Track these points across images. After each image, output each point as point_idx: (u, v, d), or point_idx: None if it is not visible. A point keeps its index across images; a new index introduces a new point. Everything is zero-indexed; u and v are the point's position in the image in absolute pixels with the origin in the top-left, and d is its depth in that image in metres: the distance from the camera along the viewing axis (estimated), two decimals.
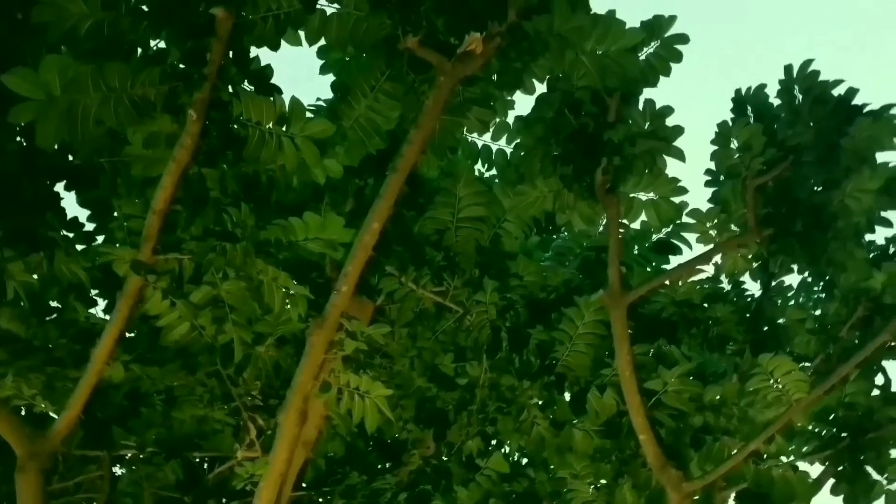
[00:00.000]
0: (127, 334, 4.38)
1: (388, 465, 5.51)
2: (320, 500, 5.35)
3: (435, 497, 4.85)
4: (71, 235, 4.33)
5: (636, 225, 4.81)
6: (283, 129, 3.04)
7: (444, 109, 3.28)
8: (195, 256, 3.40)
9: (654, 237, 4.79)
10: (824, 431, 4.18)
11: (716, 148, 3.77)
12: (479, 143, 4.75)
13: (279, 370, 4.61)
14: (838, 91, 3.58)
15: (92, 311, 4.40)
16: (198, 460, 5.28)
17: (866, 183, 3.63)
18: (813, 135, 3.60)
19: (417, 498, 4.93)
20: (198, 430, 5.03)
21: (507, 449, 5.56)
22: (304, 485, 5.25)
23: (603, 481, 4.70)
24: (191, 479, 5.13)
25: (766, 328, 4.12)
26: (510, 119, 4.22)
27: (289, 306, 3.67)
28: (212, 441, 5.04)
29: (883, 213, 4.00)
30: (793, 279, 4.80)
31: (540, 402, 4.68)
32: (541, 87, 3.64)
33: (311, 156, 3.06)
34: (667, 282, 4.07)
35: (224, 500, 5.07)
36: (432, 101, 3.18)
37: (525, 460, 5.64)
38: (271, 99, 3.04)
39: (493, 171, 4.72)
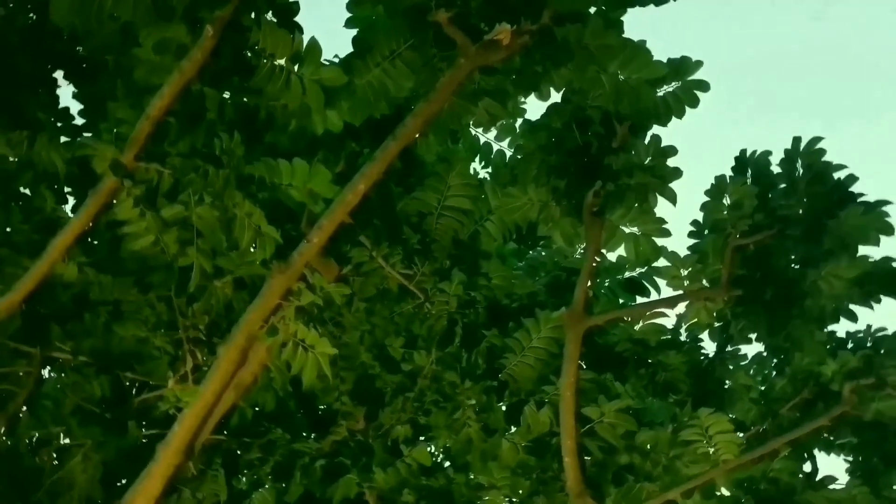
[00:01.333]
0: (89, 239, 4.31)
1: (313, 435, 5.44)
2: (238, 449, 5.27)
3: (351, 471, 4.79)
4: (59, 125, 4.24)
5: (612, 257, 4.84)
6: (295, 67, 2.98)
7: (457, 91, 3.24)
8: (176, 172, 3.33)
9: (627, 274, 4.80)
10: (743, 499, 4.20)
11: (708, 200, 3.78)
12: (483, 140, 4.75)
13: (230, 311, 4.53)
14: (839, 175, 3.61)
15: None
16: (128, 384, 5.17)
17: (843, 270, 3.66)
18: (804, 210, 3.62)
19: (334, 468, 4.87)
20: (135, 351, 4.91)
21: (434, 448, 5.51)
22: (225, 432, 5.19)
23: (518, 497, 4.67)
24: (116, 398, 5.02)
25: (711, 387, 4.13)
26: (518, 123, 4.22)
27: (255, 249, 3.61)
28: (146, 365, 4.92)
29: (851, 306, 4.04)
30: (749, 350, 4.83)
31: (476, 405, 4.65)
32: (555, 97, 3.63)
33: (316, 101, 3.01)
34: (628, 318, 4.07)
35: (144, 425, 4.97)
36: (447, 79, 3.14)
37: (448, 462, 5.59)
38: (290, 35, 2.98)
39: (489, 170, 4.70)
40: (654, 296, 4.42)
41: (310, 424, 5.58)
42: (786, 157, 3.69)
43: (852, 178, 3.59)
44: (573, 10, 3.16)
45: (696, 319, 3.95)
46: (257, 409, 5.26)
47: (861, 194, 3.57)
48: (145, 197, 3.39)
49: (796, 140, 3.64)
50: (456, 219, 4.35)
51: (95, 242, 4.48)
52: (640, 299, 4.51)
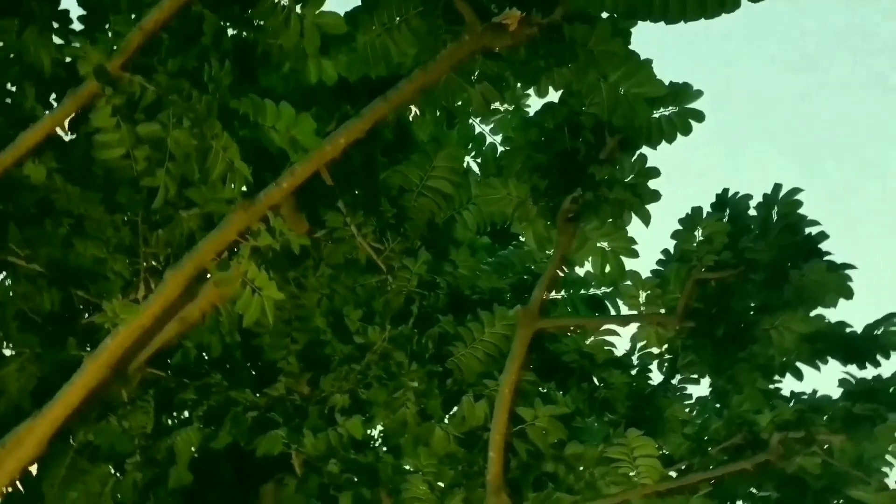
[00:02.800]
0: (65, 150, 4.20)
1: (252, 390, 5.35)
2: (174, 385, 5.19)
3: (280, 429, 4.73)
4: (55, 25, 4.13)
5: (581, 272, 4.82)
6: (298, 7, 2.92)
7: (456, 67, 3.19)
8: (160, 90, 3.24)
9: (591, 291, 4.78)
10: None
11: (681, 228, 3.77)
12: (478, 130, 4.72)
13: (192, 245, 4.45)
14: (811, 229, 3.62)
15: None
16: (80, 306, 5.07)
17: (797, 324, 3.66)
18: (771, 257, 3.62)
19: (265, 422, 4.80)
20: (91, 271, 4.81)
21: (369, 426, 5.44)
22: (169, 372, 5.11)
23: (440, 485, 4.64)
24: (63, 314, 4.91)
25: (648, 414, 4.12)
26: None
27: (224, 185, 3.54)
28: (99, 286, 4.83)
29: (798, 363, 4.05)
30: (695, 391, 4.82)
31: (418, 388, 4.60)
32: (553, 97, 3.60)
33: (312, 46, 2.94)
34: (579, 329, 4.05)
35: (88, 348, 4.87)
36: (448, 52, 3.10)
37: (379, 441, 5.54)
38: None
39: (478, 161, 4.66)
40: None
41: (252, 378, 5.51)
42: (763, 202, 3.69)
43: (823, 236, 3.60)
44: (586, 10, 3.13)
45: (645, 342, 3.95)
46: (204, 355, 5.20)
47: (829, 253, 3.59)
48: (124, 108, 3.31)
49: (777, 187, 3.65)
50: (435, 201, 4.31)
51: (71, 153, 4.38)
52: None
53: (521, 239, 4.62)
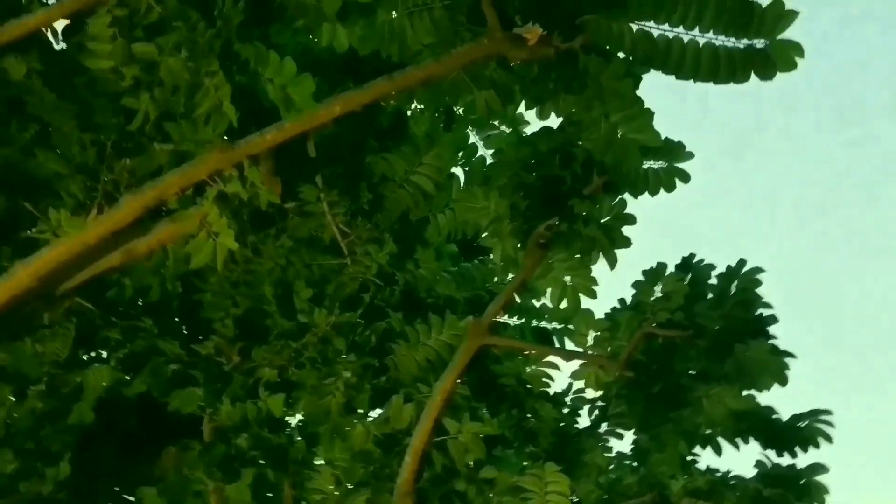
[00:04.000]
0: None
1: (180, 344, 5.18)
2: (100, 321, 4.99)
3: (198, 388, 4.58)
4: None
5: (536, 303, 4.84)
6: None
7: (468, 67, 3.19)
8: (166, 12, 3.15)
9: (540, 323, 4.79)
10: None
11: (642, 280, 3.82)
12: (472, 140, 4.72)
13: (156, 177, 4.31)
14: (764, 311, 3.70)
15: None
16: (25, 220, 4.85)
17: (730, 398, 3.73)
18: (720, 327, 3.69)
19: (184, 378, 4.65)
20: (45, 184, 4.62)
21: (292, 409, 5.31)
22: (99, 307, 4.92)
23: (346, 481, 4.53)
24: (4, 221, 4.69)
25: (570, 454, 4.12)
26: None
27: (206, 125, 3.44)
28: (50, 202, 4.63)
29: (721, 439, 4.12)
30: (619, 445, 4.84)
31: (350, 379, 4.52)
32: (552, 122, 3.62)
33: (331, 7, 2.90)
34: (522, 354, 4.04)
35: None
36: (464, 50, 3.09)
37: (298, 426, 5.41)
38: None
39: (466, 169, 4.66)
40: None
41: (182, 334, 5.33)
42: (725, 273, 3.77)
43: (773, 319, 3.70)
44: (604, 45, 3.17)
45: (582, 383, 3.96)
46: (139, 299, 5.02)
47: (774, 337, 3.67)
48: (125, 22, 3.20)
49: (741, 262, 3.74)
50: (414, 196, 4.27)
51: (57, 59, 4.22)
52: None
53: (489, 256, 4.61)
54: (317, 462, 4.93)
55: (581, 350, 3.97)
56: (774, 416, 3.96)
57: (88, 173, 4.48)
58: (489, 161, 4.46)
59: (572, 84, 3.28)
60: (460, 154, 4.72)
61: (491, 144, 4.45)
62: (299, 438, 4.94)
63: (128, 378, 4.95)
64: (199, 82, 3.28)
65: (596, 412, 4.36)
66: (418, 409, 3.96)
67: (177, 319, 5.26)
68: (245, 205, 3.49)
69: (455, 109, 4.67)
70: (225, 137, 3.69)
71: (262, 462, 5.00)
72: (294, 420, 5.28)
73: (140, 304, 5.06)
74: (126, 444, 5.37)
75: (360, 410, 4.45)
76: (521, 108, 4.02)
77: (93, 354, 5.24)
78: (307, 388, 4.67)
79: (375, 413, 4.54)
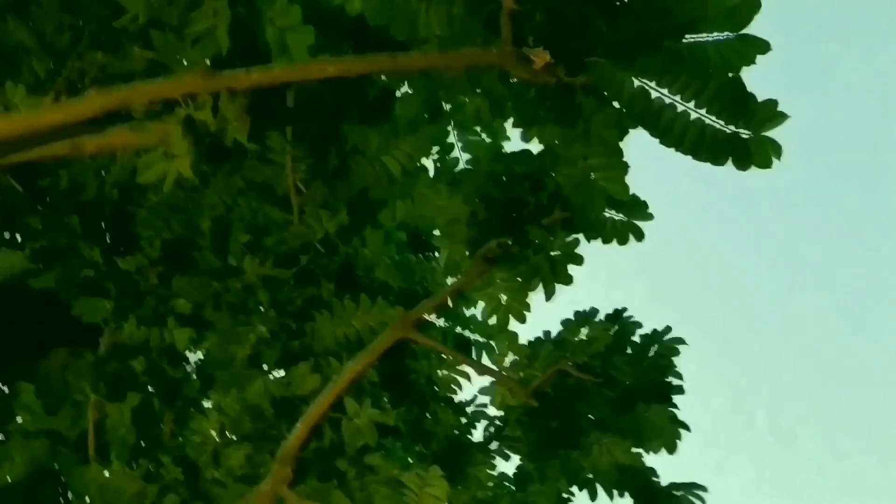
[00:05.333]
0: None
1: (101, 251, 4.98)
2: (25, 205, 4.76)
3: (107, 300, 4.44)
4: None
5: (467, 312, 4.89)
6: None
7: (470, 69, 3.19)
8: None
9: (463, 332, 4.85)
10: None
11: (571, 319, 3.92)
12: (451, 140, 4.72)
13: (128, 81, 4.13)
14: (675, 380, 3.86)
15: None
16: None
17: (619, 451, 3.87)
18: (630, 383, 3.82)
19: (92, 285, 4.50)
20: (9, 49, 4.36)
21: (194, 351, 5.18)
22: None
23: (231, 432, 4.46)
24: None
25: (455, 462, 4.19)
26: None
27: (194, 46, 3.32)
28: (6, 75, 4.37)
29: (598, 486, 4.27)
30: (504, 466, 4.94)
31: (263, 333, 4.45)
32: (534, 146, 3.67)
33: None
34: (439, 356, 4.07)
35: None
36: (472, 53, 3.09)
37: (197, 366, 5.28)
38: None
39: (438, 165, 4.65)
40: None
41: (106, 242, 5.14)
42: (650, 335, 3.91)
43: (680, 389, 3.86)
44: (604, 91, 3.23)
45: (488, 399, 4.03)
46: (73, 196, 4.82)
47: (676, 406, 3.83)
48: None
49: (666, 329, 3.89)
50: (380, 176, 4.23)
51: None
52: None
53: (435, 254, 4.63)
54: (206, 405, 4.84)
55: (496, 369, 4.03)
56: (654, 479, 4.13)
57: (57, 56, 4.26)
58: (462, 165, 4.48)
59: (563, 117, 3.32)
60: (436, 149, 4.71)
61: (469, 150, 4.46)
62: (195, 377, 4.83)
63: (38, 267, 4.76)
64: (201, 1, 3.17)
65: (492, 429, 4.44)
66: (323, 381, 3.93)
67: (104, 226, 5.08)
68: (209, 135, 3.38)
69: (444, 105, 4.66)
70: (207, 62, 3.58)
71: (151, 390, 4.88)
72: (195, 358, 5.17)
73: (71, 201, 4.87)
74: (15, 335, 5.15)
75: (265, 367, 4.39)
76: (508, 125, 4.07)
77: (8, 237, 5.00)
78: (218, 331, 4.58)
79: (279, 374, 4.50)
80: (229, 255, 4.73)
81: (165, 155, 3.26)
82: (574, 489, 4.34)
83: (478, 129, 4.74)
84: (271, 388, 4.25)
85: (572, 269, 3.79)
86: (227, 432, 4.45)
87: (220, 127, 3.30)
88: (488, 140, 4.72)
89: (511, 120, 3.62)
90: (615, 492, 4.09)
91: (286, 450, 3.71)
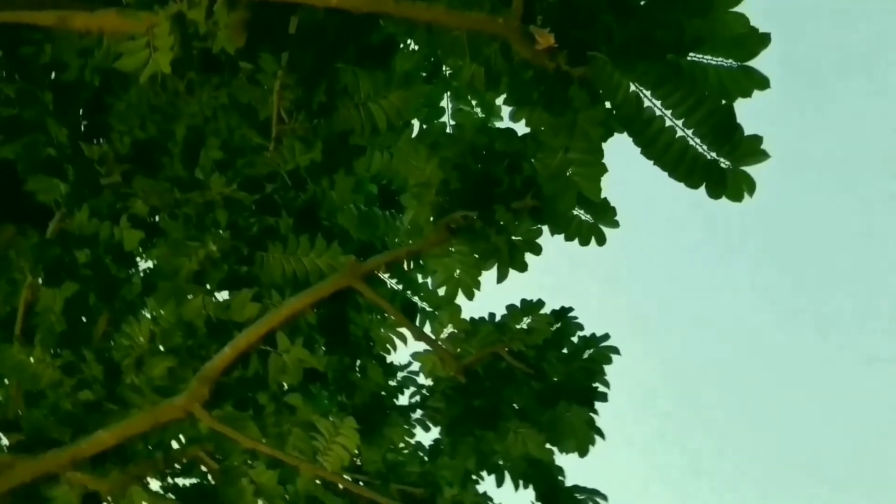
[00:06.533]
0: None
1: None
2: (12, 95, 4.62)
3: (65, 185, 4.32)
4: None
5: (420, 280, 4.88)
6: None
7: (472, 33, 3.14)
8: None
9: (412, 297, 4.84)
10: None
11: (518, 307, 3.94)
12: (443, 103, 4.67)
13: None
14: (601, 386, 3.90)
15: None
16: None
17: (532, 443, 3.92)
18: (558, 380, 3.85)
19: (52, 165, 4.38)
20: None
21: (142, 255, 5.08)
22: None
23: (160, 346, 4.40)
24: None
25: (373, 420, 4.20)
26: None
27: None
28: None
29: (507, 473, 4.32)
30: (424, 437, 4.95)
31: (213, 253, 4.38)
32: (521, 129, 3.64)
33: None
34: (382, 314, 4.06)
35: None
36: (478, 18, 3.03)
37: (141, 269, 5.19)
38: None
39: (423, 126, 4.60)
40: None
41: (77, 126, 5.00)
42: (587, 338, 3.94)
43: (604, 398, 3.90)
44: (599, 89, 3.20)
45: (420, 366, 4.03)
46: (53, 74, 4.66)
47: (595, 411, 3.88)
48: None
49: (605, 336, 3.93)
50: (363, 122, 4.16)
51: None
52: None
53: (401, 214, 4.59)
54: (142, 312, 4.78)
55: (433, 338, 4.03)
56: (560, 478, 4.20)
57: None
58: (448, 131, 4.43)
59: (553, 105, 3.29)
60: (426, 110, 4.65)
61: (457, 118, 4.41)
62: (136, 282, 4.76)
63: (2, 137, 4.63)
64: None
65: (417, 397, 4.46)
66: (262, 312, 3.89)
67: (80, 112, 4.94)
68: (198, 37, 3.28)
69: (443, 69, 4.60)
70: None
71: (89, 284, 4.80)
72: (142, 264, 5.09)
73: (50, 78, 4.72)
74: None
75: (208, 286, 4.33)
76: (500, 101, 4.02)
77: None
78: (169, 240, 4.50)
79: (220, 296, 4.44)
80: (197, 167, 4.64)
81: (149, 46, 3.15)
82: (483, 473, 4.39)
83: (472, 101, 4.70)
84: (209, 307, 4.20)
85: (529, 258, 3.80)
86: (156, 342, 4.40)
87: (209, 32, 3.20)
88: (479, 114, 4.68)
89: (503, 98, 3.58)
90: (521, 482, 4.14)
91: (208, 370, 3.68)
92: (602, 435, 3.89)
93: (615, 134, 3.39)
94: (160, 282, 4.57)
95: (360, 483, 3.91)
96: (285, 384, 4.11)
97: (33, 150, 4.65)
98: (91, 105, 4.91)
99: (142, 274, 5.02)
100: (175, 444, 4.49)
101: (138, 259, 5.00)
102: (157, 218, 4.70)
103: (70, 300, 4.71)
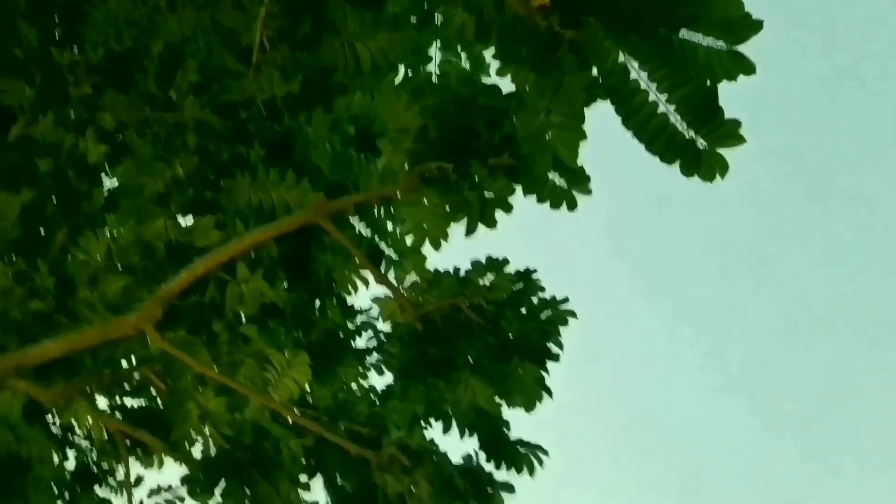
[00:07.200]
0: None
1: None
2: None
3: (31, 90, 4.15)
4: None
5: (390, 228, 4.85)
6: None
7: None
8: None
9: (378, 243, 4.82)
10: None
11: (482, 262, 3.96)
12: (431, 52, 4.58)
13: None
14: (555, 348, 3.97)
15: None
16: None
17: (481, 394, 3.99)
18: (513, 337, 3.92)
19: (19, 67, 4.19)
20: None
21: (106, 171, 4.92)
22: None
23: (117, 264, 4.30)
24: None
25: (328, 359, 4.21)
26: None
27: None
28: None
29: (454, 421, 4.39)
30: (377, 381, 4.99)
31: (177, 176, 4.27)
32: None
33: None
34: (347, 255, 4.03)
35: None
36: None
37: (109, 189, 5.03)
38: None
39: (408, 73, 4.51)
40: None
41: (53, 31, 4.76)
42: (547, 300, 3.99)
43: (556, 358, 3.97)
44: (590, 54, 3.17)
45: (379, 311, 4.04)
46: None
47: (546, 370, 3.96)
48: None
49: (565, 299, 3.98)
50: (348, 61, 4.05)
51: None
52: None
53: (377, 159, 4.53)
54: (101, 230, 4.66)
55: (395, 284, 4.03)
56: (506, 431, 4.29)
57: None
58: (434, 79, 4.34)
59: (540, 65, 3.24)
60: (413, 56, 4.55)
61: (444, 67, 4.33)
62: (97, 197, 4.62)
63: None
64: None
65: (374, 341, 4.48)
66: (224, 240, 3.82)
67: (55, 18, 4.70)
68: None
69: (435, 18, 4.48)
70: None
71: (49, 194, 4.65)
72: (106, 181, 4.94)
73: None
74: None
75: (172, 209, 4.23)
76: (489, 57, 3.96)
77: None
78: (136, 158, 4.36)
79: (183, 221, 4.35)
80: (172, 87, 4.48)
81: None
82: (431, 420, 4.46)
83: (461, 52, 4.62)
84: (171, 230, 4.10)
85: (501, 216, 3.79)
86: (113, 259, 4.30)
87: None
88: (466, 68, 4.60)
89: (492, 52, 3.51)
90: (467, 431, 4.22)
91: (164, 291, 3.62)
92: (550, 393, 3.97)
93: (597, 100, 3.38)
94: (122, 199, 4.45)
95: (309, 418, 3.93)
96: (242, 315, 4.08)
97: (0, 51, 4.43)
98: (66, 11, 4.68)
99: (106, 193, 4.88)
100: (125, 365, 4.44)
101: (103, 176, 4.86)
102: (123, 137, 4.56)
103: (27, 208, 4.56)
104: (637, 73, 3.21)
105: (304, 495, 4.28)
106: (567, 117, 3.41)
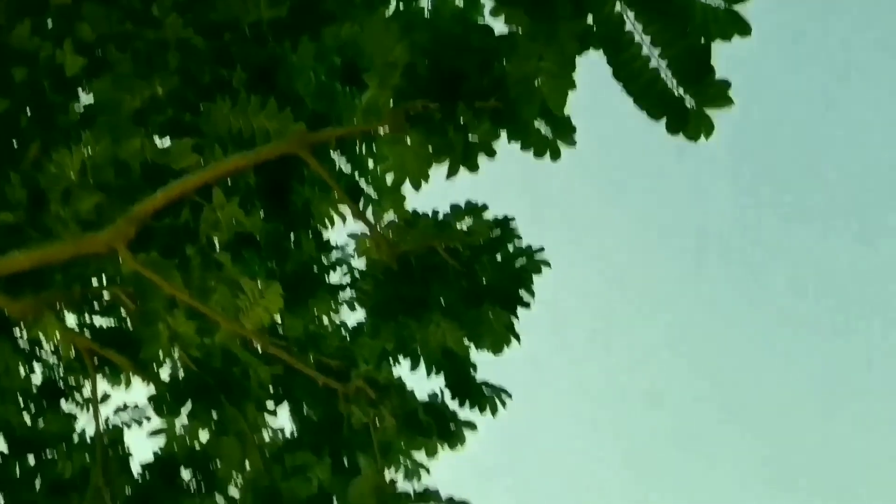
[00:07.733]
0: None
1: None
2: None
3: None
4: None
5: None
6: None
7: None
8: None
9: (358, 180, 4.75)
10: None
11: (461, 207, 3.94)
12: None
13: None
14: (527, 295, 3.99)
15: None
16: None
17: (451, 336, 4.04)
18: (486, 281, 3.93)
19: None
20: None
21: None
22: None
23: (90, 180, 4.19)
24: None
25: (302, 289, 4.21)
26: None
27: None
28: None
29: (427, 361, 4.44)
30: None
31: (158, 95, 4.13)
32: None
33: None
34: (325, 189, 3.97)
35: None
36: None
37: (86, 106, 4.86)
38: None
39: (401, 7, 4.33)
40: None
41: None
42: (522, 248, 4.00)
43: (527, 305, 4.00)
44: (587, 3, 3.08)
45: (355, 247, 4.02)
46: None
47: (517, 317, 4.00)
48: None
49: (540, 249, 3.99)
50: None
51: None
52: None
53: (362, 93, 4.41)
54: (76, 146, 4.52)
55: (373, 222, 3.99)
56: (473, 374, 4.35)
57: None
58: (426, 16, 4.19)
59: (535, 9, 3.15)
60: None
61: (438, 3, 4.17)
62: (73, 111, 4.47)
63: None
64: None
65: (347, 277, 4.47)
66: (198, 163, 3.73)
67: None
68: None
69: None
70: None
71: (23, 104, 4.49)
72: (83, 97, 4.77)
73: None
74: None
75: (150, 129, 4.10)
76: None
77: None
78: (114, 73, 4.20)
79: (161, 143, 4.23)
80: (154, 4, 4.28)
81: None
82: (400, 358, 4.50)
83: None
84: (147, 150, 3.99)
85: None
86: (87, 175, 4.18)
87: None
88: (460, 5, 4.45)
89: None
90: (434, 370, 4.27)
91: (137, 211, 3.55)
92: (518, 339, 4.02)
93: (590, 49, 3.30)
94: (99, 116, 4.31)
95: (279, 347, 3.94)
96: (217, 241, 4.03)
97: None
98: None
99: (82, 109, 4.72)
100: (95, 283, 4.39)
101: (80, 91, 4.68)
102: (103, 51, 4.38)
103: (1, 117, 4.40)
104: (632, 24, 3.14)
105: (271, 421, 4.34)
106: (558, 64, 3.33)
